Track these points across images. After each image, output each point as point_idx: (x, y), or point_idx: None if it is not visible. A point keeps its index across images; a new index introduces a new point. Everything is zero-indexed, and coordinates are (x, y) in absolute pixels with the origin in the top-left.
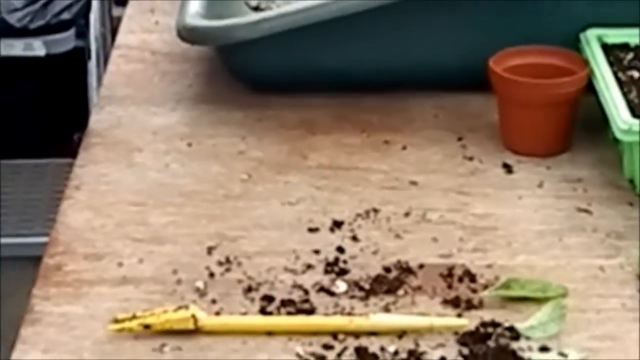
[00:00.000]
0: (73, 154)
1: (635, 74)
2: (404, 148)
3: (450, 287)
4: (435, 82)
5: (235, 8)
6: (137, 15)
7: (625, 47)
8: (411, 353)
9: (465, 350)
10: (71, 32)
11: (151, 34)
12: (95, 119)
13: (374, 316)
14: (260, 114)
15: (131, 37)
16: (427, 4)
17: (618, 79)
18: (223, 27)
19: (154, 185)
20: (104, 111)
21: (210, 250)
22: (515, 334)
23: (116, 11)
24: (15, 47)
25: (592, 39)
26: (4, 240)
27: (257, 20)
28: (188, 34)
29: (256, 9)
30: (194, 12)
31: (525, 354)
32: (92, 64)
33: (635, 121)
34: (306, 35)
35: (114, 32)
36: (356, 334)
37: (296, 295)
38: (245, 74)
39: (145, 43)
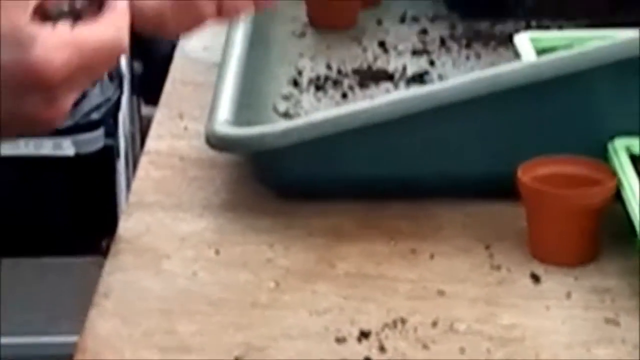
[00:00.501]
0: (100, 254)
1: None
2: (432, 257)
3: None
4: (463, 190)
5: (263, 114)
6: (166, 121)
7: None
8: None
9: None
10: (100, 131)
11: (180, 140)
12: (124, 226)
13: None
14: (288, 221)
15: (160, 143)
16: (455, 111)
17: None
18: (251, 135)
19: (182, 293)
20: (132, 218)
21: None
22: None
23: (145, 110)
24: (45, 147)
25: (620, 149)
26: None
27: (285, 129)
28: (217, 142)
29: (285, 114)
30: (223, 120)
31: None
32: (120, 164)
33: None
34: (334, 143)
35: (143, 131)
36: None
37: None
38: (273, 181)
39: (174, 149)
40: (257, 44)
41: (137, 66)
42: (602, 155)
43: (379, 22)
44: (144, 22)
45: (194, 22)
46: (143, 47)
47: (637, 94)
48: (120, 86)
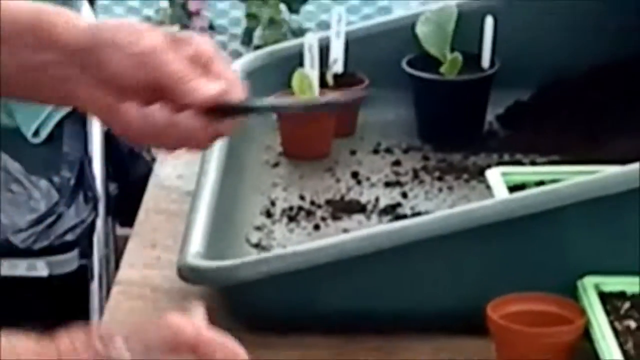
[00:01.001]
0: None
1: (632, 323)
2: None
3: None
4: (434, 324)
5: (236, 245)
6: (139, 250)
7: (622, 295)
8: None
9: None
10: (75, 252)
11: (152, 270)
12: None
13: None
14: (260, 354)
15: (132, 272)
16: (426, 247)
17: (614, 329)
18: (222, 268)
19: None
20: None
21: None
22: None
23: (120, 231)
24: (19, 267)
25: (589, 287)
26: None
27: (256, 261)
28: (188, 274)
29: (257, 246)
30: (195, 252)
31: None
32: (94, 285)
33: None
34: (306, 277)
35: (118, 251)
36: None
37: None
38: (245, 314)
39: (145, 278)
40: (230, 173)
41: (113, 188)
42: (572, 293)
43: (353, 152)
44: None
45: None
46: (118, 169)
47: (606, 232)
48: (95, 208)
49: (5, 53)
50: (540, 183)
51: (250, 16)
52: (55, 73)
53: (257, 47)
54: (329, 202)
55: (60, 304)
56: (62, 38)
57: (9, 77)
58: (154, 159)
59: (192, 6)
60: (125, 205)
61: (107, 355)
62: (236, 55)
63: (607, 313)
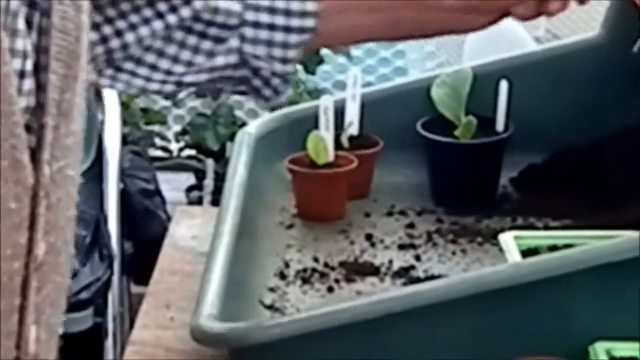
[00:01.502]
0: None
1: None
2: None
3: None
4: None
5: (249, 307)
6: (153, 311)
7: None
8: None
9: None
10: (89, 311)
11: (166, 331)
12: None
13: None
14: None
15: (146, 333)
16: (438, 312)
17: None
18: (235, 330)
19: None
20: None
21: None
22: None
23: (135, 289)
24: None
25: (601, 352)
26: None
27: (269, 324)
28: (202, 336)
29: (271, 307)
30: (208, 314)
31: None
32: (108, 344)
33: None
34: (320, 340)
35: (133, 309)
36: None
37: None
38: None
39: (159, 340)
40: (245, 235)
41: (128, 246)
42: (584, 358)
43: (367, 215)
44: None
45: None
46: (134, 227)
47: (618, 298)
48: (110, 266)
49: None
50: (553, 247)
51: None
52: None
53: (273, 108)
54: (342, 264)
55: None
56: None
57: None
58: (169, 218)
59: None
60: (140, 263)
61: None
62: (252, 114)
63: None
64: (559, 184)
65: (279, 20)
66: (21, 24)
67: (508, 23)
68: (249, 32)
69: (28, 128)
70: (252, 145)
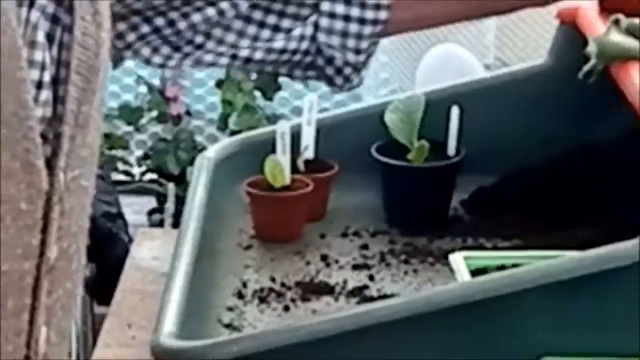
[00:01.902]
0: None
1: None
2: None
3: None
4: None
5: (208, 325)
6: (115, 330)
7: None
8: None
9: None
10: None
11: (128, 349)
12: None
13: None
14: None
15: (108, 352)
16: (390, 330)
17: None
18: (194, 348)
19: None
20: None
21: None
22: None
23: (98, 309)
24: None
25: None
26: None
27: (227, 341)
28: (162, 354)
29: (228, 326)
30: (168, 332)
31: None
32: None
33: None
34: (275, 357)
35: (96, 329)
36: None
37: None
38: None
39: (121, 358)
40: (204, 256)
41: (91, 268)
42: None
43: (322, 236)
44: None
45: None
46: (97, 249)
47: (564, 315)
48: None
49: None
50: (502, 267)
51: (225, 102)
52: None
53: (233, 132)
54: (298, 283)
55: None
56: None
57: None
58: (131, 240)
59: (169, 92)
60: (103, 284)
61: None
62: (212, 139)
63: None
64: (508, 205)
65: (354, 12)
66: (41, 36)
67: (458, 50)
68: (324, 21)
69: (44, 137)
70: (212, 169)
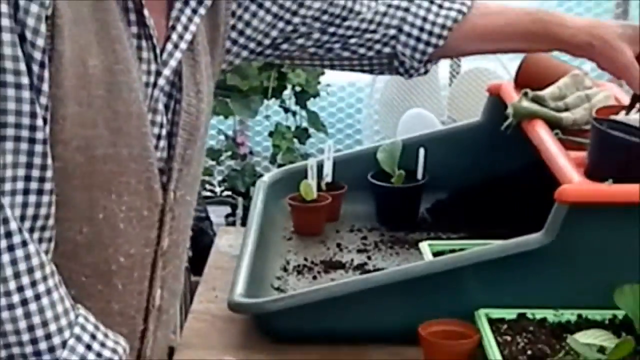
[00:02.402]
0: None
1: (508, 338)
2: None
3: None
4: (389, 338)
5: (264, 289)
6: (204, 292)
7: (502, 320)
8: None
9: None
10: None
11: (213, 304)
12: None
13: None
14: (279, 356)
15: (200, 306)
16: (381, 291)
17: (497, 341)
18: (255, 303)
19: None
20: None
21: None
22: None
23: (193, 278)
24: None
25: (482, 315)
26: None
27: (275, 299)
28: (234, 307)
29: (277, 289)
30: (238, 293)
31: None
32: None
33: None
34: (306, 309)
35: (192, 291)
36: None
37: None
38: (268, 331)
39: (208, 309)
40: (261, 244)
41: (190, 252)
42: (471, 319)
43: (337, 231)
44: None
45: None
46: (193, 240)
47: (492, 282)
48: None
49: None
50: (452, 250)
51: (275, 146)
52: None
53: (280, 165)
54: (322, 262)
55: None
56: (564, 38)
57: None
58: (214, 234)
59: (239, 139)
60: (197, 262)
61: None
62: (266, 170)
63: (493, 331)
64: (456, 212)
65: (424, 36)
66: (160, 106)
67: (423, 112)
68: (403, 38)
69: (161, 170)
70: (266, 188)
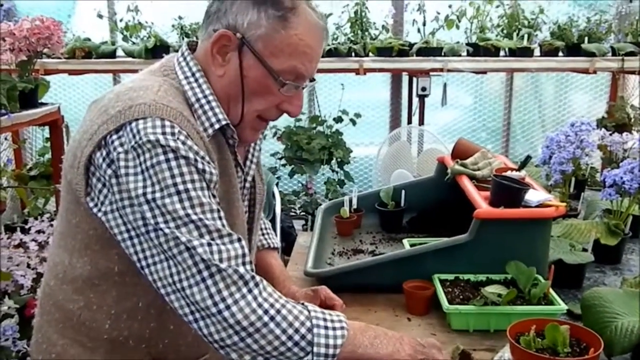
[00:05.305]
0: None
1: (456, 291)
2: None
3: None
4: (387, 289)
5: (322, 263)
6: (291, 266)
7: (446, 280)
8: None
9: None
10: None
11: (296, 272)
12: None
13: None
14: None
15: (290, 273)
16: (383, 265)
17: (444, 291)
18: (319, 271)
19: None
20: None
21: None
22: None
23: (286, 258)
24: None
25: (436, 278)
26: None
27: (329, 270)
28: (307, 273)
29: (329, 264)
30: (309, 266)
31: None
32: None
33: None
34: (345, 274)
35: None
36: None
37: None
38: (327, 284)
39: (294, 274)
40: (321, 240)
41: (282, 244)
42: (431, 280)
43: (360, 233)
44: None
45: None
46: (284, 237)
47: (442, 261)
48: (277, 251)
49: None
50: (421, 243)
51: (327, 189)
52: None
53: (330, 199)
54: (352, 249)
55: None
56: None
57: None
58: (296, 235)
59: (308, 185)
60: (286, 250)
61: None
62: (323, 201)
63: (442, 286)
64: (423, 223)
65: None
66: (247, 193)
67: (404, 171)
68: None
69: (248, 223)
70: (322, 211)
